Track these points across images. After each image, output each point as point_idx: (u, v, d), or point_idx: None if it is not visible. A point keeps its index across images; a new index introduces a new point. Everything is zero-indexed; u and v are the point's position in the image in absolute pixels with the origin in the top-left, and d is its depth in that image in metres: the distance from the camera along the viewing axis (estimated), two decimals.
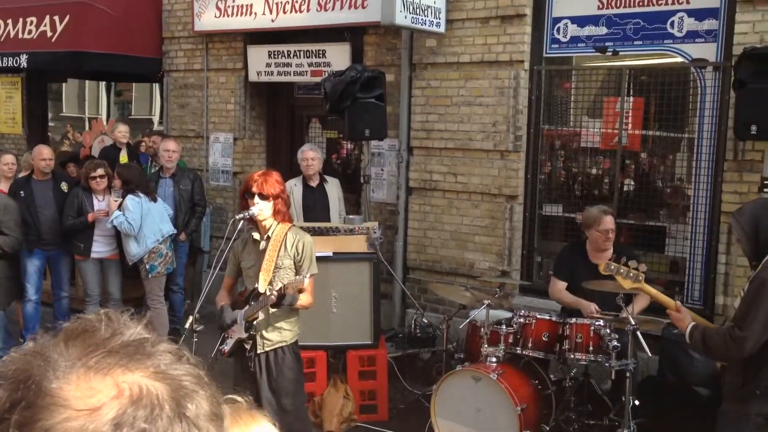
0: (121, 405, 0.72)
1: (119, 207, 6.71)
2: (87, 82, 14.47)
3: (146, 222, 6.72)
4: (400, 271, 7.25)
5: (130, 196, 6.69)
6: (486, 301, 5.06)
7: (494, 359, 4.83)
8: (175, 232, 7.13)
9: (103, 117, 14.71)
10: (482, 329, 5.03)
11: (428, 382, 5.91)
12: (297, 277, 4.17)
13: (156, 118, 16.24)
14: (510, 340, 4.96)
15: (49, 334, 0.79)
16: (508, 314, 5.33)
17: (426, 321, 6.61)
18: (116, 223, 6.64)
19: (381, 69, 6.96)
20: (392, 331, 6.85)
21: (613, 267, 4.00)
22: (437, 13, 6.83)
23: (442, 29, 6.90)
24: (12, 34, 8.92)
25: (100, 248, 7.03)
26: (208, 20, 8.51)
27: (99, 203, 6.97)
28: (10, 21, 8.95)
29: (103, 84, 14.69)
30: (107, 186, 6.98)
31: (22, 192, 6.98)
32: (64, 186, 7.22)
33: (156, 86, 14.67)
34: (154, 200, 6.92)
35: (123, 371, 0.74)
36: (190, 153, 8.81)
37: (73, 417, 0.71)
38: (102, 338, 0.78)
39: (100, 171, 6.96)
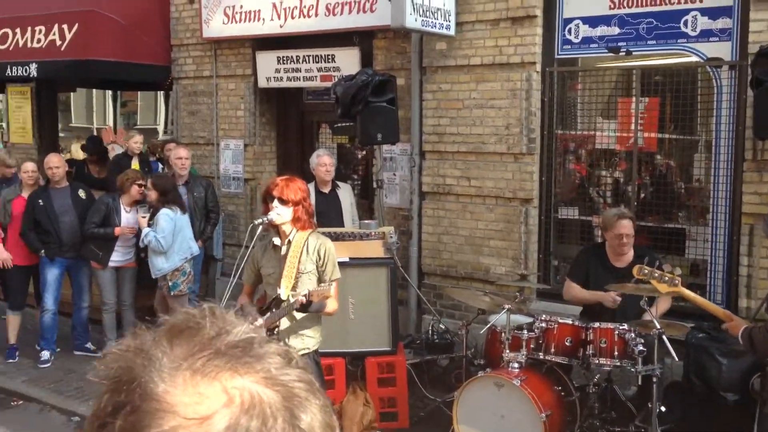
0: (233, 414, 0.67)
1: (149, 222, 6.59)
2: (94, 92, 14.46)
3: (177, 240, 6.57)
4: (415, 276, 7.20)
5: (164, 211, 6.49)
6: (506, 306, 5.00)
7: (516, 365, 4.76)
8: (199, 252, 7.07)
9: (111, 126, 14.71)
10: (503, 334, 4.97)
11: (447, 389, 5.85)
12: (322, 285, 4.12)
13: (161, 127, 16.22)
14: (532, 346, 4.91)
15: (150, 329, 0.74)
16: (528, 319, 5.27)
17: (443, 327, 6.56)
18: (146, 242, 6.48)
19: (391, 73, 6.92)
20: (409, 338, 6.79)
21: (647, 271, 3.96)
22: (447, 15, 6.78)
23: (452, 32, 6.85)
24: (21, 42, 8.90)
25: (118, 257, 6.99)
26: (216, 27, 8.49)
27: (126, 215, 6.89)
28: (18, 30, 8.92)
29: (109, 94, 14.70)
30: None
31: (40, 200, 6.95)
32: (81, 193, 7.20)
33: (161, 95, 14.66)
34: (185, 210, 6.77)
35: (231, 375, 0.69)
36: (201, 160, 8.77)
37: (183, 426, 0.66)
38: (208, 337, 0.72)
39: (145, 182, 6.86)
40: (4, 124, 11.42)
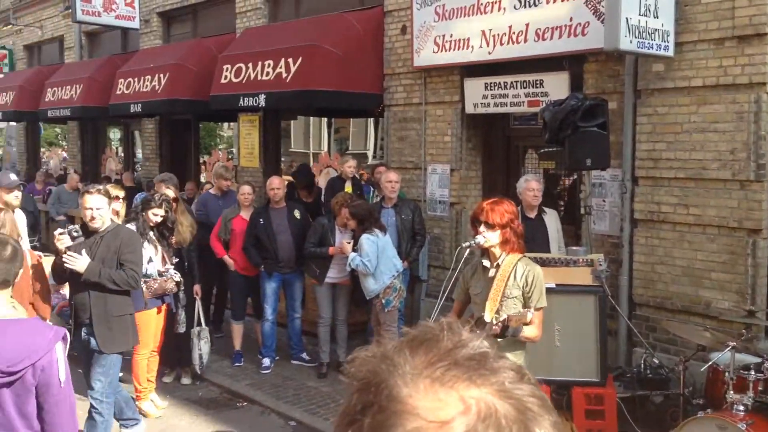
0: (469, 422, 0.70)
1: (354, 246, 6.94)
2: (311, 119, 15.52)
3: (382, 259, 6.85)
4: (625, 306, 6.89)
5: (365, 236, 6.83)
6: (731, 343, 4.64)
7: (742, 408, 4.39)
8: (403, 268, 7.31)
9: (326, 151, 15.70)
10: (726, 374, 4.62)
11: (661, 428, 5.52)
12: (521, 310, 4.09)
13: (370, 153, 16.97)
14: (760, 388, 4.51)
15: (393, 340, 0.80)
16: (755, 359, 4.85)
17: (657, 361, 6.20)
18: (353, 266, 6.84)
19: (602, 97, 6.74)
20: (619, 370, 6.49)
21: None
22: (665, 36, 6.49)
23: (670, 53, 6.54)
24: (252, 76, 9.83)
25: (334, 274, 7.41)
26: (426, 56, 8.79)
27: (340, 235, 7.31)
28: (250, 64, 9.87)
29: (324, 122, 15.71)
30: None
31: (261, 219, 7.61)
32: (296, 213, 7.78)
33: (371, 121, 15.39)
34: (384, 231, 7.06)
35: (467, 385, 0.73)
36: (409, 184, 9.09)
37: (424, 428, 0.71)
38: (446, 348, 0.77)
39: None
40: (234, 150, 12.62)
